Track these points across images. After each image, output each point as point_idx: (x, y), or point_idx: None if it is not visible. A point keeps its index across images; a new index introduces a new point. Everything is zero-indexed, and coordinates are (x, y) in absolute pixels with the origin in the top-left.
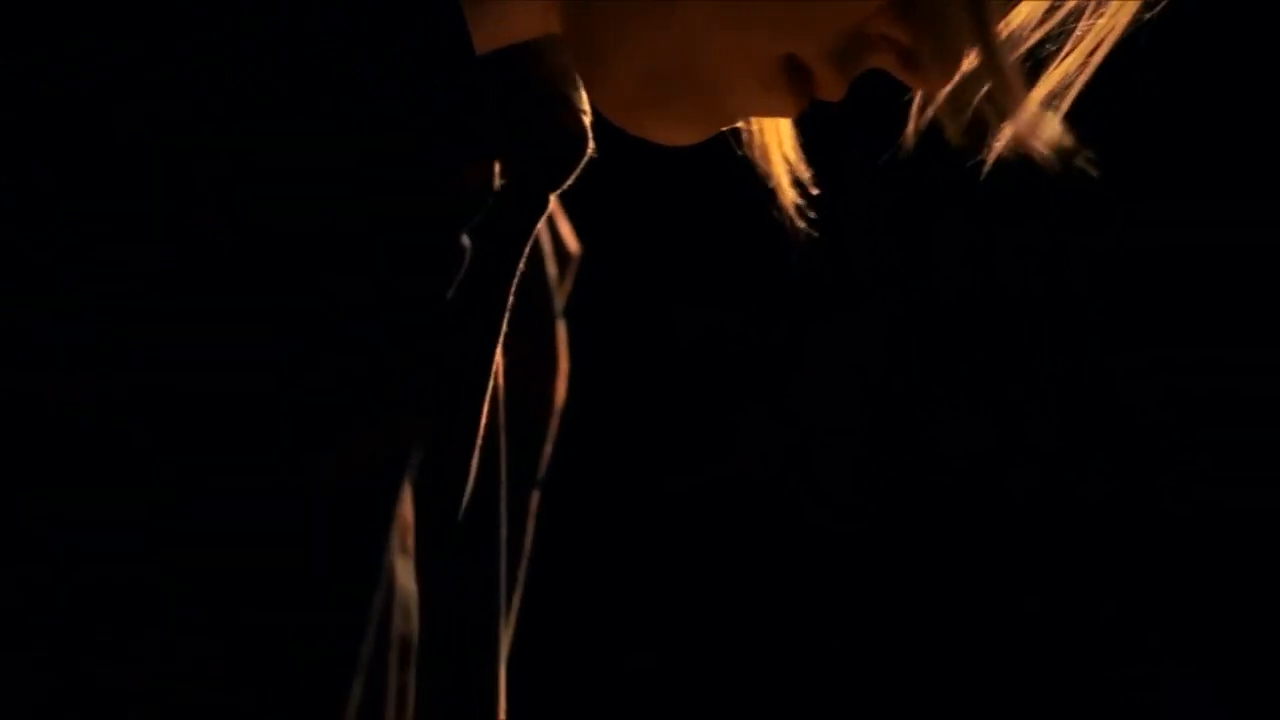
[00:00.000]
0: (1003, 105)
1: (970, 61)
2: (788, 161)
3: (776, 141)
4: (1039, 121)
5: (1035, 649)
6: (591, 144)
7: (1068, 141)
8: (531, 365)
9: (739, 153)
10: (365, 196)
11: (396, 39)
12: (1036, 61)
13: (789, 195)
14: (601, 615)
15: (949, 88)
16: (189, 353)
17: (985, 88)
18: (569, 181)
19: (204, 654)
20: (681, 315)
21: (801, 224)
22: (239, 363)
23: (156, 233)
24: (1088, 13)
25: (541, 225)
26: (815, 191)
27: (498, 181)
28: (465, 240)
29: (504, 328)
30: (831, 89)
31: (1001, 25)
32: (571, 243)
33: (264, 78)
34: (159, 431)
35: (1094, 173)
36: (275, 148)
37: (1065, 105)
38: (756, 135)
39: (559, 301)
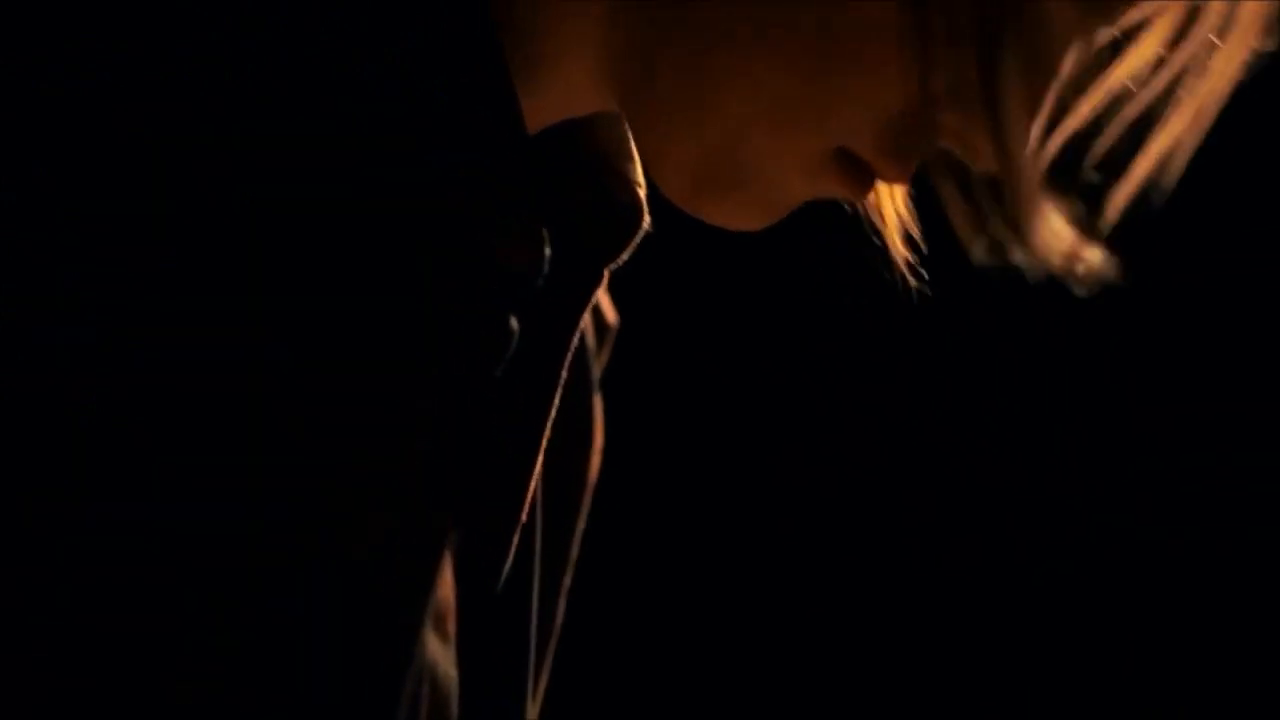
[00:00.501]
0: (1006, 193)
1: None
2: (900, 218)
3: (889, 195)
4: (1053, 232)
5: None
6: (647, 218)
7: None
8: (568, 439)
9: (850, 208)
10: (415, 275)
11: (451, 118)
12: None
13: (900, 252)
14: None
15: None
16: (189, 354)
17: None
18: (625, 255)
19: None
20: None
21: (914, 282)
22: (240, 364)
23: (157, 233)
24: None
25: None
26: (925, 249)
27: (547, 259)
28: (514, 323)
29: (555, 406)
30: (892, 175)
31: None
32: (610, 314)
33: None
34: (159, 433)
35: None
36: (315, 214)
37: (1177, 172)
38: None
39: (596, 373)
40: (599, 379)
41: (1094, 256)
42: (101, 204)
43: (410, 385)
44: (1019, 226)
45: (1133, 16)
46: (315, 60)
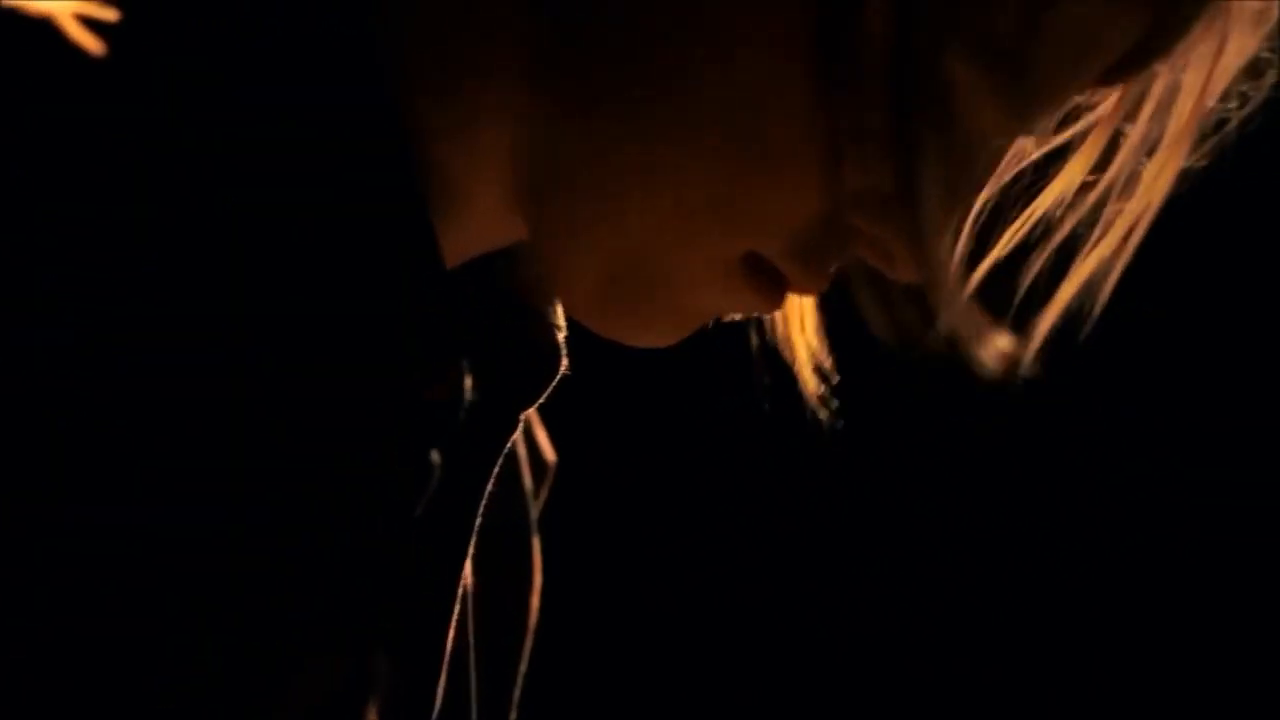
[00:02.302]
0: (927, 292)
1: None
2: (810, 348)
3: (799, 327)
4: (978, 335)
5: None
6: (565, 361)
7: (1007, 348)
8: (505, 580)
9: (764, 340)
10: (335, 411)
11: (366, 254)
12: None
13: (811, 385)
14: None
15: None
16: (169, 358)
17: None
18: (541, 399)
19: None
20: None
21: (825, 414)
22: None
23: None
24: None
25: (517, 437)
26: (836, 380)
27: (469, 396)
28: (435, 456)
29: (471, 548)
30: (804, 285)
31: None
32: (548, 452)
33: (230, 297)
34: (139, 436)
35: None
36: (242, 373)
37: (1105, 292)
38: (779, 323)
39: (534, 513)
40: (538, 519)
41: (1023, 357)
42: (79, 208)
43: (333, 527)
44: (945, 328)
45: (1057, 139)
46: (229, 200)
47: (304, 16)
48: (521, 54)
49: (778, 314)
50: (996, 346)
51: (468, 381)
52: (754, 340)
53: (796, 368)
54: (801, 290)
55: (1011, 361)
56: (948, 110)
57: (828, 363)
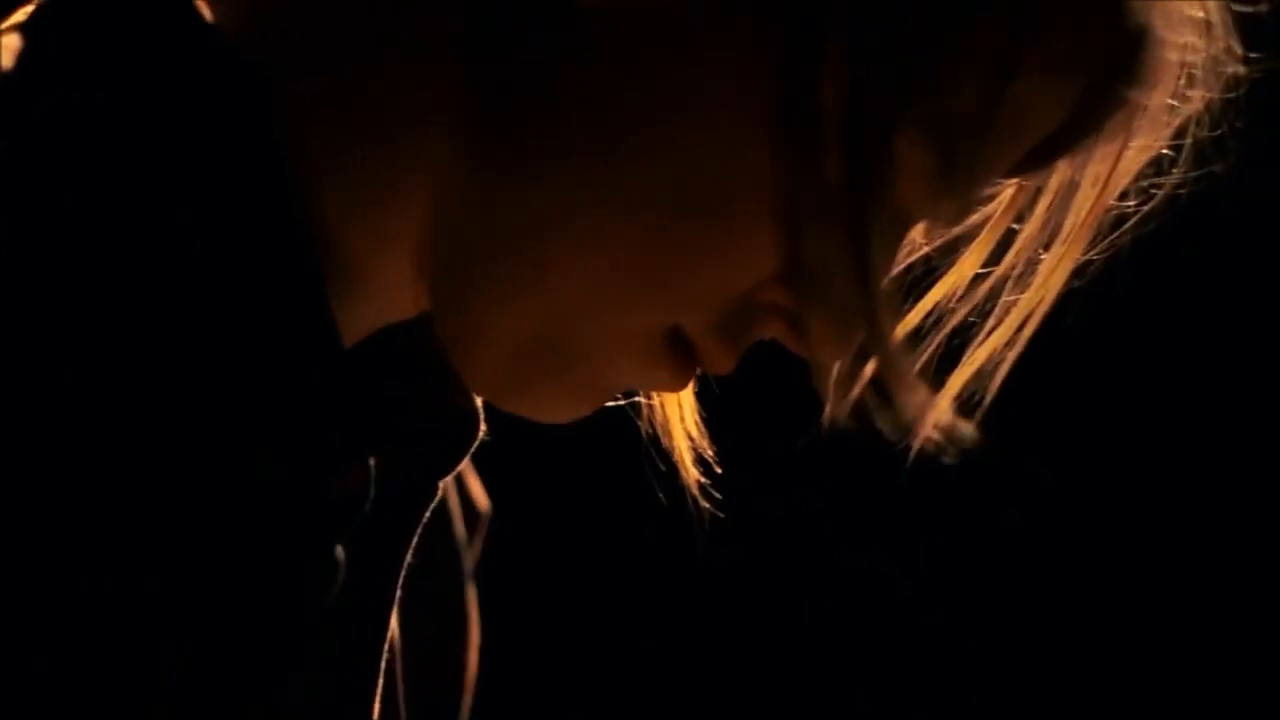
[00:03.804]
0: (882, 375)
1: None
2: (690, 437)
3: (678, 416)
4: (926, 404)
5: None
6: (483, 425)
7: (961, 428)
8: (437, 641)
9: (641, 428)
10: (232, 515)
11: (262, 348)
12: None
13: (692, 474)
14: None
15: (843, 360)
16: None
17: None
18: (458, 466)
19: None
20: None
21: (706, 505)
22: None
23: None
24: (1011, 284)
25: (449, 483)
26: (720, 470)
27: (373, 482)
28: (340, 553)
29: (390, 623)
30: (719, 362)
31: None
32: (481, 501)
33: (119, 405)
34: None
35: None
36: (132, 488)
37: (996, 384)
38: (657, 409)
39: (469, 563)
40: (473, 569)
41: (961, 428)
42: None
43: (240, 628)
44: (890, 387)
45: (955, 230)
46: (174, 370)
47: (203, 117)
48: (452, 122)
49: (656, 399)
50: (940, 419)
51: (373, 471)
52: (644, 429)
53: (676, 456)
54: (713, 368)
55: (952, 433)
56: (889, 185)
57: (708, 451)
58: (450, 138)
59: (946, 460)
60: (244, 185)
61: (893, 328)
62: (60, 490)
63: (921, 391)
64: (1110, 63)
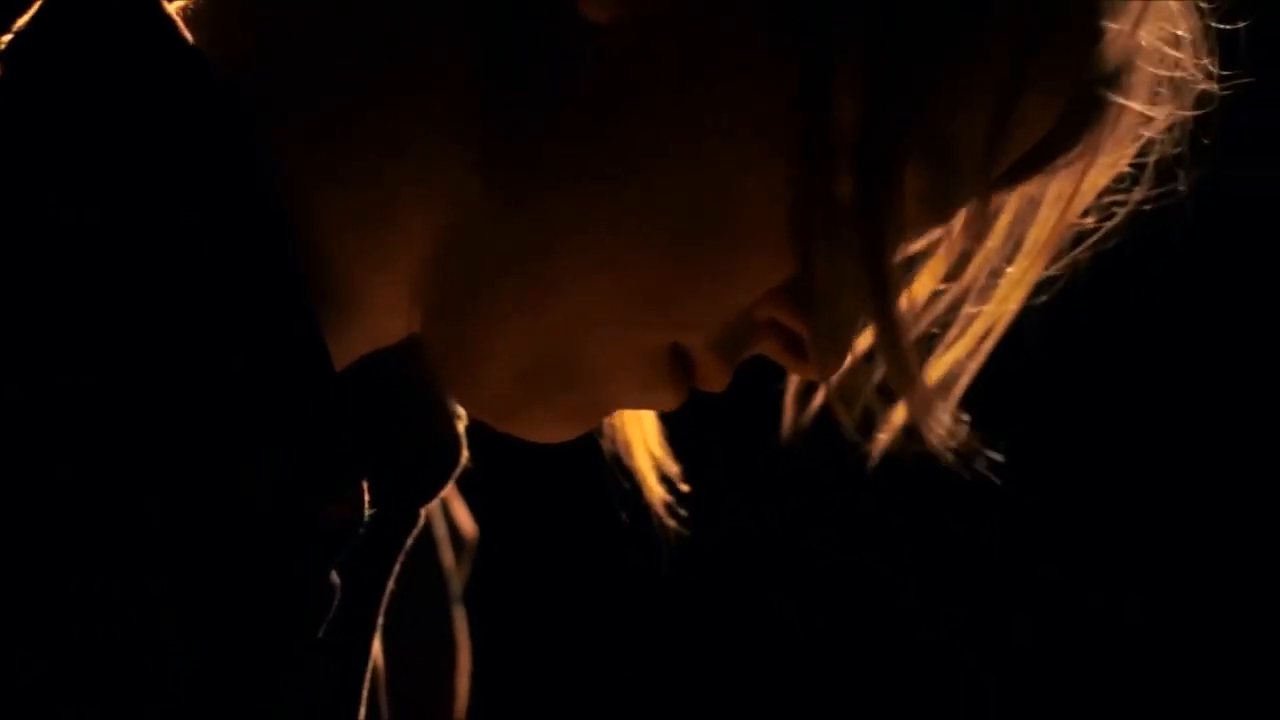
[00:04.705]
0: (898, 393)
1: (860, 347)
2: (653, 457)
3: (640, 436)
4: (936, 412)
5: None
6: (465, 453)
7: (965, 436)
8: (427, 663)
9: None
10: (228, 544)
11: (254, 375)
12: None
13: (656, 493)
14: None
15: (838, 375)
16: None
17: (877, 377)
18: (441, 493)
19: None
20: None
21: (672, 523)
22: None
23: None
24: (973, 297)
25: (435, 508)
26: (685, 488)
27: (367, 508)
28: (335, 578)
29: (370, 663)
30: (715, 379)
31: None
32: (468, 526)
33: (109, 430)
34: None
35: (994, 479)
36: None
37: (956, 394)
38: (619, 430)
39: (456, 587)
40: (460, 593)
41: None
42: None
43: (235, 656)
44: (900, 396)
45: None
46: (165, 400)
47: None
48: (460, 141)
49: (617, 420)
50: (955, 434)
51: (367, 496)
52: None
53: (639, 476)
54: (709, 385)
55: (969, 448)
56: (900, 203)
57: (673, 469)
58: (458, 156)
59: (963, 474)
60: (224, 208)
61: (907, 341)
62: (55, 523)
63: (933, 400)
64: (1100, 75)
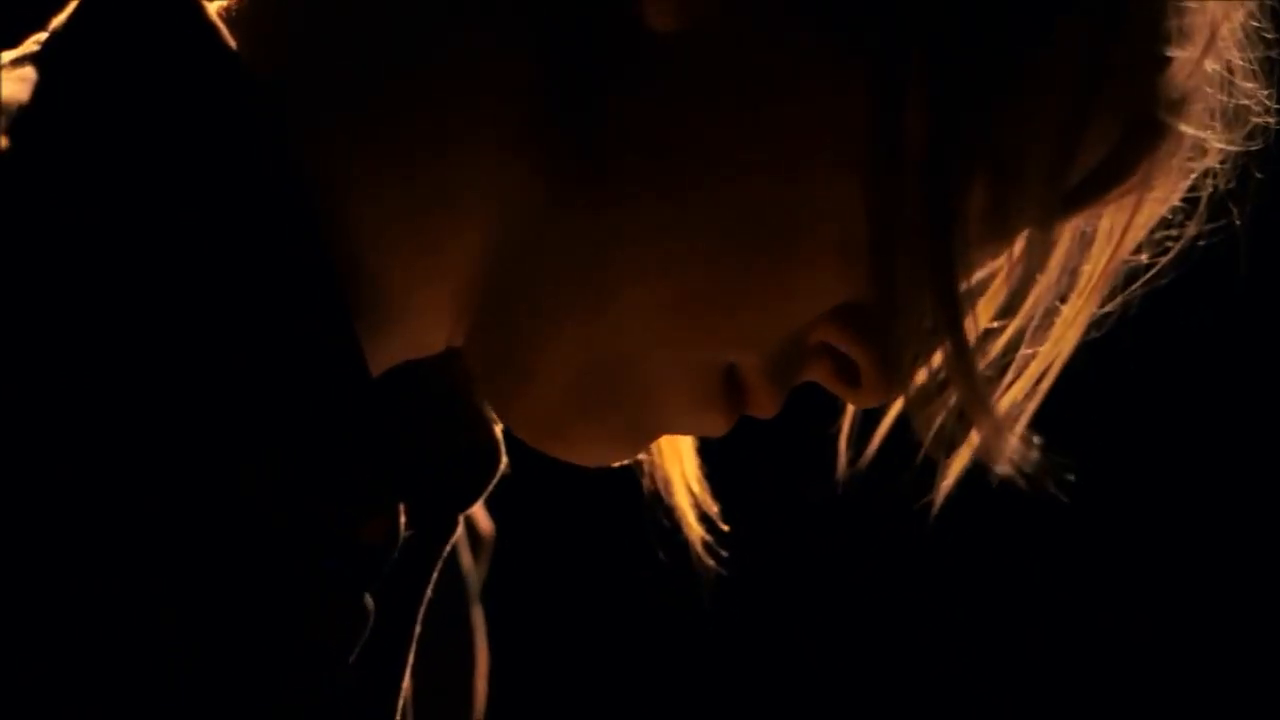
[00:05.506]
0: (970, 416)
1: (921, 375)
2: (693, 494)
3: (679, 472)
4: (1007, 435)
5: None
6: (504, 459)
7: (1037, 457)
8: (448, 665)
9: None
10: (264, 565)
11: (293, 393)
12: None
13: (695, 531)
14: None
15: (912, 401)
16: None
17: (950, 401)
18: (479, 500)
19: None
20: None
21: (710, 562)
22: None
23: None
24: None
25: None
26: (725, 528)
27: (403, 529)
28: (369, 601)
29: (405, 674)
30: (766, 404)
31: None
32: (485, 524)
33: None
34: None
35: (1064, 498)
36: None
37: (1024, 421)
38: (658, 466)
39: (475, 586)
40: (479, 592)
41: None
42: None
43: (269, 678)
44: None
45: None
46: (138, 336)
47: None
48: (523, 149)
49: (655, 456)
50: (1026, 456)
51: (402, 517)
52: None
53: (679, 514)
54: (759, 410)
55: (1041, 471)
56: (967, 222)
57: (712, 508)
58: (515, 164)
59: (1033, 493)
60: (253, 214)
61: (977, 361)
62: (77, 544)
63: (1003, 423)
64: (1163, 101)
